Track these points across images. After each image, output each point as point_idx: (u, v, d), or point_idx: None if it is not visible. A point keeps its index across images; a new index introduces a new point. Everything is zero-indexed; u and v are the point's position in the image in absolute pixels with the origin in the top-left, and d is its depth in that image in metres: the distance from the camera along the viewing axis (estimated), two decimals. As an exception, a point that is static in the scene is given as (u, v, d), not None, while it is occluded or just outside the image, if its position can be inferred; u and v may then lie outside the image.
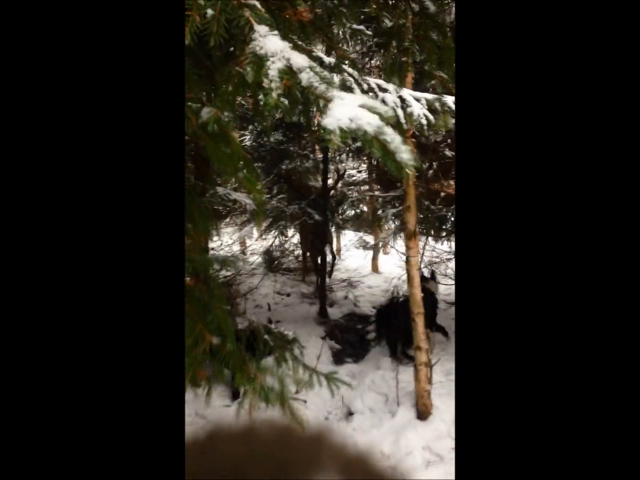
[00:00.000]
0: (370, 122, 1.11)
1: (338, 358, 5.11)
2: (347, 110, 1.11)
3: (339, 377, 2.23)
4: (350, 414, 3.67)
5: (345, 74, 1.63)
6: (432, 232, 4.21)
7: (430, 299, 4.06)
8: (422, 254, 3.75)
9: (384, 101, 1.76)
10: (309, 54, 1.53)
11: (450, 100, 1.92)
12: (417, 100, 1.85)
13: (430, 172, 3.49)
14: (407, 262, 3.14)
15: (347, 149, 5.70)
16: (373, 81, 1.79)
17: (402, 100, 1.82)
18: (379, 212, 4.50)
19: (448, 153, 3.61)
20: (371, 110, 1.14)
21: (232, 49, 1.58)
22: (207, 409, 3.53)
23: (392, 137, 1.12)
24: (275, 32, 1.19)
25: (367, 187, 7.86)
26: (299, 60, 1.18)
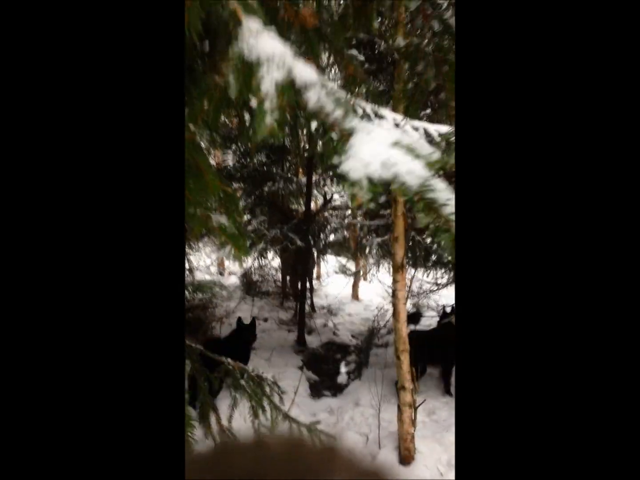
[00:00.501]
0: (411, 171, 0.80)
1: (316, 390, 4.89)
2: (376, 151, 0.80)
3: (320, 428, 2.03)
4: (327, 454, 3.45)
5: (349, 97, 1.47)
6: (418, 264, 4.08)
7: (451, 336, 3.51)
8: (410, 286, 3.60)
9: (428, 138, 1.56)
10: (317, 65, 1.23)
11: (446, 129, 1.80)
12: (415, 129, 1.73)
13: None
14: (394, 295, 2.99)
15: (331, 174, 5.59)
16: (369, 107, 1.65)
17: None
18: (363, 240, 4.35)
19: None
20: (410, 151, 0.83)
21: (209, 49, 1.25)
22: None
23: (441, 193, 0.83)
24: (272, 29, 0.88)
25: (349, 211, 7.77)
26: (305, 72, 0.86)
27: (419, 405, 3.09)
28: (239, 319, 4.80)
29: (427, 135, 1.77)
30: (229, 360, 2.19)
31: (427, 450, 3.07)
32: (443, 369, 4.21)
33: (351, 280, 8.43)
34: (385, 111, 1.68)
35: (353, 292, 8.52)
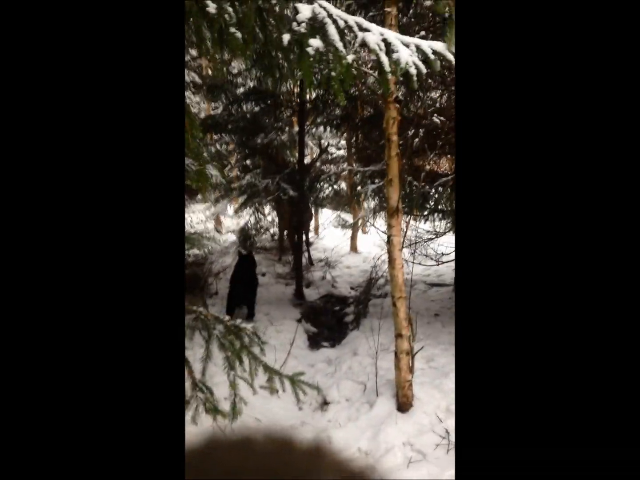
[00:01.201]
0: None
1: (314, 342, 4.85)
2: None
3: (305, 379, 1.94)
4: (325, 403, 3.42)
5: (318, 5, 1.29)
6: (415, 211, 3.92)
7: None
8: (405, 233, 3.46)
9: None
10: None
11: (441, 46, 1.59)
12: (406, 45, 1.53)
13: (416, 141, 3.18)
14: (389, 242, 2.85)
15: (326, 121, 5.34)
16: (352, 19, 1.45)
17: (388, 44, 1.49)
18: (358, 188, 4.17)
19: (436, 119, 3.30)
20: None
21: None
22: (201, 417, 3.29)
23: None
24: None
25: (345, 164, 7.54)
26: None
27: (417, 353, 3.02)
28: (239, 252, 5.19)
29: (420, 52, 1.57)
30: (201, 309, 2.07)
31: (426, 397, 3.02)
32: None
33: (349, 232, 8.30)
34: (372, 25, 1.48)
35: (351, 244, 8.41)
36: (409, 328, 2.93)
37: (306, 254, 7.27)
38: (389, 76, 1.52)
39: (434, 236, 4.80)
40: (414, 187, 3.57)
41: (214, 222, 9.84)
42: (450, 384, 3.15)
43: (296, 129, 6.01)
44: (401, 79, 1.75)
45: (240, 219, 9.03)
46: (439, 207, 4.20)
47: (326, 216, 9.98)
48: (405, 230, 3.24)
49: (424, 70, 1.53)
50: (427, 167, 3.41)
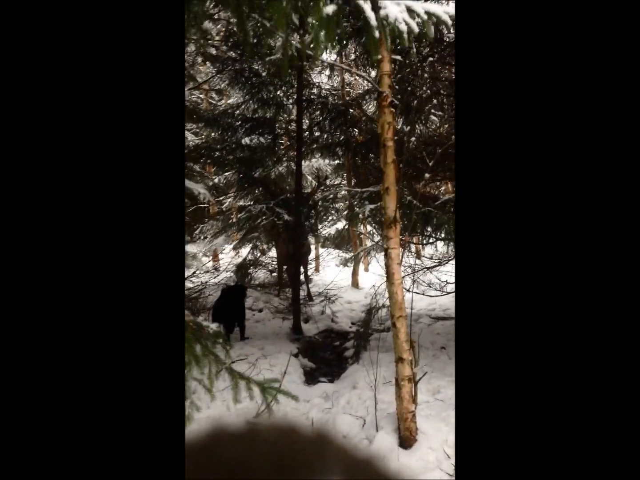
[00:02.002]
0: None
1: (311, 377, 4.52)
2: None
3: (297, 415, 1.66)
4: (320, 441, 3.08)
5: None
6: (415, 232, 3.70)
7: None
8: (405, 247, 3.23)
9: None
10: None
11: (435, 7, 1.44)
12: (397, 4, 1.38)
13: (412, 140, 2.98)
14: (386, 255, 2.62)
15: (323, 146, 5.22)
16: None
17: (374, 1, 1.33)
18: (356, 208, 3.98)
19: (434, 116, 3.13)
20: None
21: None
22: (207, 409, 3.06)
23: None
24: None
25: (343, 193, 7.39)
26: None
27: (420, 379, 2.72)
28: (225, 285, 5.31)
29: (411, 12, 1.41)
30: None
31: (432, 431, 2.70)
32: None
33: (349, 269, 8.06)
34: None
35: (352, 279, 8.14)
36: (410, 352, 2.64)
37: (305, 288, 7.01)
38: (376, 34, 1.35)
39: (437, 263, 4.55)
40: (412, 207, 3.37)
41: (211, 259, 9.64)
42: (458, 416, 2.84)
43: (293, 159, 5.91)
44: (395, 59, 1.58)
45: (238, 257, 8.84)
46: (442, 231, 3.98)
47: (327, 252, 9.77)
48: (404, 242, 3.01)
49: (416, 30, 1.36)
50: (427, 175, 3.21)
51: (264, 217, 5.17)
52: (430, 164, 3.02)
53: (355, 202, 3.80)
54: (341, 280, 8.38)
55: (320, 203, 5.51)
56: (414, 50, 3.02)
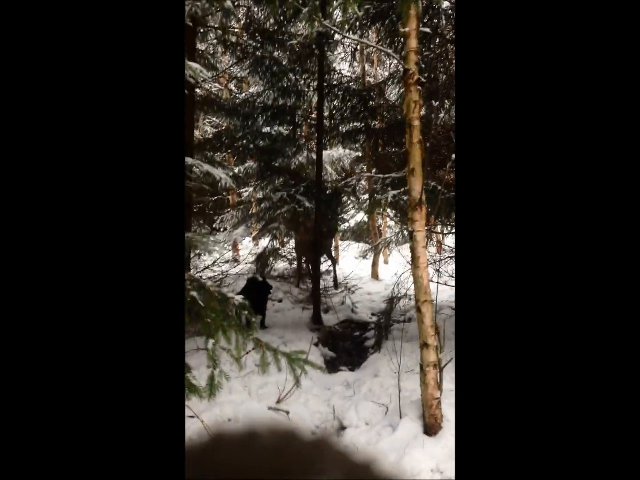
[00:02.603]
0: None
1: (332, 366, 4.48)
2: None
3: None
4: (342, 428, 3.04)
5: None
6: (440, 221, 3.62)
7: None
8: (430, 228, 3.16)
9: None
10: None
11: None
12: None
13: (440, 119, 2.88)
14: (411, 237, 2.56)
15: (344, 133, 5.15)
16: None
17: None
18: (377, 195, 3.89)
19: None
20: None
21: None
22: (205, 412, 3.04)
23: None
24: None
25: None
26: None
27: (445, 365, 2.65)
28: (253, 278, 5.35)
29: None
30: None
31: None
32: None
33: (367, 259, 7.98)
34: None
35: (372, 271, 8.07)
36: (435, 337, 2.58)
37: (331, 275, 6.97)
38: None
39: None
40: (436, 193, 3.28)
41: (232, 250, 9.66)
42: (484, 405, 2.77)
43: (313, 149, 5.86)
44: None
45: (257, 248, 8.83)
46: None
47: (347, 244, 9.71)
48: (430, 226, 2.94)
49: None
50: (450, 176, 3.13)
51: (285, 206, 5.12)
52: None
53: (377, 188, 3.72)
54: (360, 271, 8.33)
55: (342, 192, 5.44)
56: (443, 21, 2.92)
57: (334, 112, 5.18)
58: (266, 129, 6.65)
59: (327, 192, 5.33)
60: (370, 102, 4.81)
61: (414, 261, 2.56)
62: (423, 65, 3.57)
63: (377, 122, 5.12)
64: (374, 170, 4.83)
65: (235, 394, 3.20)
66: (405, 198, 3.76)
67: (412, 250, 2.56)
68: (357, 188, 6.07)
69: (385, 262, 9.70)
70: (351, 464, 0.32)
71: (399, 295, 4.52)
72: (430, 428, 2.57)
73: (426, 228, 2.92)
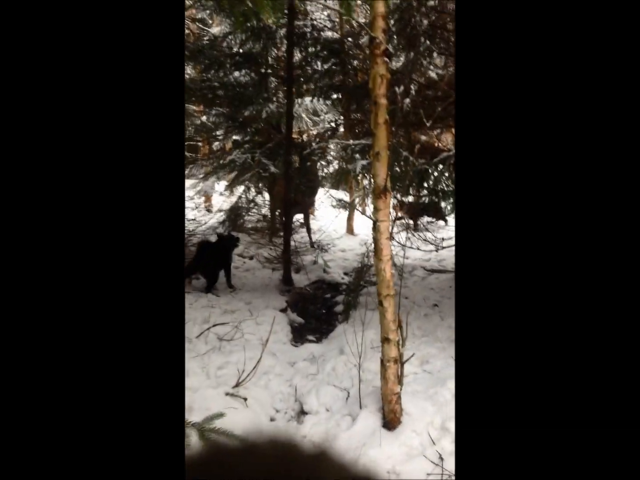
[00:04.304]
0: None
1: (298, 335, 4.40)
2: None
3: (282, 381, 1.50)
4: (303, 413, 2.98)
5: None
6: (410, 191, 3.40)
7: None
8: (395, 218, 2.96)
9: None
10: None
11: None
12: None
13: (407, 102, 2.62)
14: (374, 228, 2.36)
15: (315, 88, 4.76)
16: None
17: None
18: (346, 165, 3.62)
19: (433, 73, 2.75)
20: None
21: None
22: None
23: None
24: None
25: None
26: None
27: (407, 360, 2.55)
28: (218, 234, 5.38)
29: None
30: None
31: (417, 411, 2.57)
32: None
33: (341, 212, 7.77)
34: None
35: (347, 225, 7.89)
36: (397, 332, 2.45)
37: (298, 237, 6.80)
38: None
39: (433, 220, 4.28)
40: (409, 164, 3.04)
41: (203, 200, 9.34)
42: (447, 394, 2.70)
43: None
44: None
45: (232, 197, 8.50)
46: (439, 187, 3.67)
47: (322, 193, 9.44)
48: (395, 214, 2.74)
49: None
50: (424, 139, 2.88)
51: (247, 171, 4.81)
52: (428, 123, 2.67)
53: (347, 156, 3.45)
54: (336, 224, 8.14)
55: (309, 154, 5.12)
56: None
57: (305, 64, 4.76)
58: (235, 75, 6.19)
59: (301, 153, 4.97)
60: (344, 54, 4.40)
61: (377, 253, 2.38)
62: (393, 27, 3.19)
63: (351, 76, 4.73)
64: (348, 133, 4.50)
65: (192, 377, 3.09)
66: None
67: (375, 241, 2.37)
68: (327, 152, 5.74)
69: (363, 213, 9.51)
70: (348, 475, 0.33)
71: (369, 263, 4.37)
72: (390, 423, 2.50)
73: (394, 209, 2.71)
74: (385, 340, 2.45)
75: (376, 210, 2.34)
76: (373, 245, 2.39)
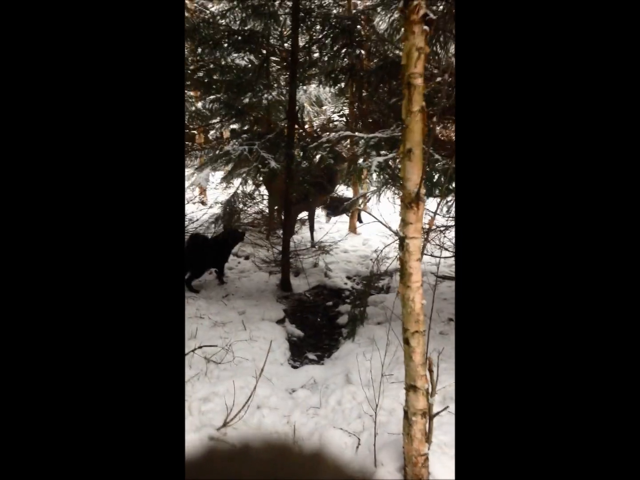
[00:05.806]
0: None
1: (297, 352, 3.88)
2: None
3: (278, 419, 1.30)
4: (303, 461, 2.46)
5: None
6: (436, 193, 2.87)
7: None
8: (428, 232, 2.45)
9: None
10: None
11: None
12: None
13: (446, 77, 2.04)
14: (402, 246, 1.83)
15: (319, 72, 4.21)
16: None
17: None
18: (359, 161, 3.09)
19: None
20: None
21: None
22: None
23: None
24: None
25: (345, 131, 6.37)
26: None
27: (438, 414, 2.03)
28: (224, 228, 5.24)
29: None
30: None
31: (447, 474, 2.06)
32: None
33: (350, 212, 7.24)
34: None
35: (350, 224, 7.37)
36: (426, 378, 1.93)
37: (299, 237, 6.28)
38: None
39: (452, 223, 3.75)
40: (437, 163, 2.51)
41: (198, 192, 8.79)
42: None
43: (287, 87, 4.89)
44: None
45: (229, 189, 7.96)
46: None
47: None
48: (428, 228, 2.23)
49: None
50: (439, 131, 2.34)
51: (244, 165, 4.26)
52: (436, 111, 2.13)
53: (359, 151, 2.91)
54: (340, 223, 7.62)
55: (312, 148, 4.57)
56: None
57: (311, 45, 4.20)
58: (233, 57, 5.64)
59: (303, 145, 4.41)
60: (355, 34, 3.84)
61: (404, 278, 1.85)
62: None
63: (362, 59, 4.17)
64: (359, 124, 3.95)
65: (171, 414, 2.57)
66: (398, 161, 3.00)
67: (403, 263, 1.84)
68: (339, 147, 5.19)
69: (365, 210, 8.97)
70: (342, 477, 0.76)
71: (378, 272, 3.85)
72: (413, 490, 1.98)
73: (427, 224, 2.19)
74: (411, 388, 1.93)
75: (405, 224, 1.81)
76: (399, 265, 1.86)
